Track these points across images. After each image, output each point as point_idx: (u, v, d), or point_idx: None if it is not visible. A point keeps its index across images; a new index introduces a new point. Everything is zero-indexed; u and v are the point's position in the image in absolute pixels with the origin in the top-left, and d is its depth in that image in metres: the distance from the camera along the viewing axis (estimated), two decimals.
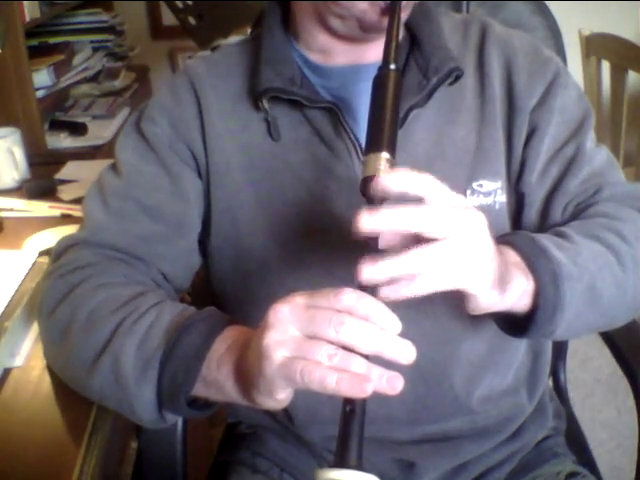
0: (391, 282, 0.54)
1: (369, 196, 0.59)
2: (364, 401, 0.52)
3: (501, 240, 0.66)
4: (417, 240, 0.54)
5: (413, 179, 0.54)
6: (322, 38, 0.76)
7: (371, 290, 0.55)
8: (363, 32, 0.72)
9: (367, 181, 0.59)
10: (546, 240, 0.67)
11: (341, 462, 0.51)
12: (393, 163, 0.60)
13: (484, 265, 0.56)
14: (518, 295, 0.62)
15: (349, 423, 0.52)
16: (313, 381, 0.50)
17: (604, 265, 0.68)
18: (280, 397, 0.54)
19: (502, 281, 0.59)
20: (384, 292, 0.54)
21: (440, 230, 0.53)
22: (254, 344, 0.55)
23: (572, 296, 0.64)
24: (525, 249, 0.65)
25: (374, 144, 0.60)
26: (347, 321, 0.51)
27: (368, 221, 0.52)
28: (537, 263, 0.64)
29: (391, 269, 0.53)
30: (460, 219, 0.54)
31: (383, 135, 0.60)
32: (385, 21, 0.68)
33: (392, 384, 0.50)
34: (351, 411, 0.52)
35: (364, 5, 0.69)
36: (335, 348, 0.51)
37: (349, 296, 0.52)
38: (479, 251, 0.55)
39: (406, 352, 0.50)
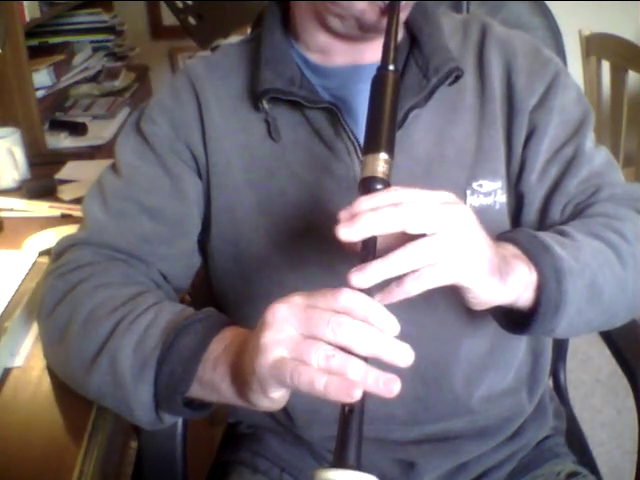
0: (384, 283, 0.54)
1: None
2: (363, 402, 0.52)
3: (502, 236, 0.66)
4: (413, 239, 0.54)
5: (393, 195, 0.54)
6: (321, 38, 0.76)
7: (368, 290, 0.55)
8: (362, 32, 0.72)
9: (365, 182, 0.59)
10: (547, 237, 0.67)
11: (340, 462, 0.51)
12: (391, 164, 0.60)
13: (476, 257, 0.56)
14: (522, 286, 0.62)
15: (348, 423, 0.52)
16: (302, 383, 0.49)
17: (605, 262, 0.68)
18: (274, 396, 0.54)
19: (501, 272, 0.59)
20: (377, 297, 0.54)
21: (425, 226, 0.53)
22: (251, 344, 0.55)
23: (574, 292, 0.64)
24: (526, 245, 0.65)
25: (372, 145, 0.61)
26: (345, 322, 0.50)
27: (346, 232, 0.53)
28: (539, 258, 0.64)
29: (380, 273, 0.53)
30: (445, 213, 0.54)
31: (381, 136, 0.61)
32: (384, 21, 0.68)
33: (389, 387, 0.49)
34: (350, 411, 0.52)
35: (363, 5, 0.69)
36: (333, 349, 0.50)
37: (347, 296, 0.52)
38: (469, 243, 0.56)
39: (404, 355, 0.50)
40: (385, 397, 0.49)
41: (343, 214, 0.55)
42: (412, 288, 0.55)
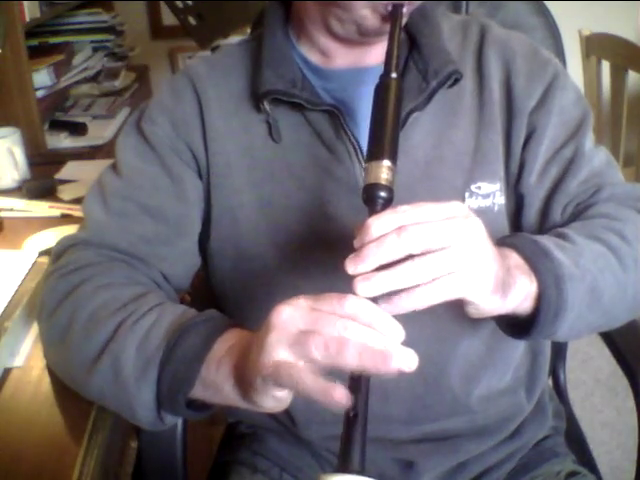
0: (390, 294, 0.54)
1: (371, 205, 0.59)
2: (367, 406, 0.52)
3: (503, 242, 0.66)
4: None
5: (400, 217, 0.54)
6: (323, 40, 0.76)
7: (374, 298, 0.55)
8: (361, 37, 0.72)
9: (369, 189, 0.59)
10: (548, 242, 0.67)
11: (344, 467, 0.51)
12: (394, 170, 0.60)
13: (483, 272, 0.57)
14: (521, 298, 0.62)
15: (352, 428, 0.52)
16: (299, 385, 0.50)
17: (605, 266, 0.68)
18: (278, 395, 0.54)
19: (504, 285, 0.59)
20: (382, 307, 0.54)
21: (437, 244, 0.54)
22: (256, 345, 0.55)
23: (574, 297, 0.64)
24: (527, 251, 0.65)
25: (376, 152, 0.61)
26: (350, 326, 0.51)
27: (354, 269, 0.54)
28: (539, 264, 0.64)
29: (386, 284, 0.53)
30: (454, 230, 0.54)
31: (384, 143, 0.61)
32: (384, 26, 0.68)
33: (407, 361, 0.50)
34: (355, 416, 0.52)
35: (365, 11, 0.69)
36: (345, 326, 0.51)
37: (353, 302, 0.52)
38: (476, 259, 0.56)
39: (408, 360, 0.50)
40: (404, 373, 0.49)
41: (356, 243, 0.55)
42: (419, 302, 0.55)
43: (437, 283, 0.54)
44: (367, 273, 0.53)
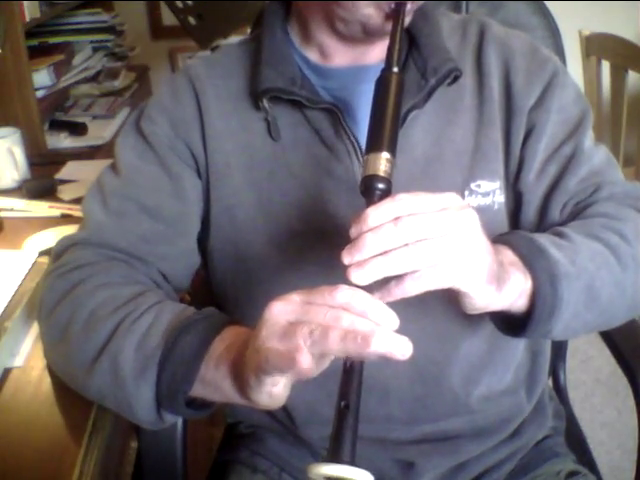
0: (383, 281, 0.54)
1: (368, 196, 0.59)
2: (359, 397, 0.53)
3: (499, 239, 0.66)
4: None
5: (397, 207, 0.55)
6: (326, 40, 0.76)
7: (368, 287, 0.55)
8: (366, 35, 0.72)
9: (367, 180, 0.59)
10: (544, 239, 0.67)
11: (334, 457, 0.51)
12: (393, 163, 0.60)
13: (475, 262, 0.57)
14: (516, 294, 0.62)
15: (343, 419, 0.52)
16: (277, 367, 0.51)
17: (603, 264, 0.68)
18: (274, 392, 0.54)
19: (498, 280, 0.60)
20: (376, 295, 0.55)
21: (432, 235, 0.54)
22: (251, 342, 0.55)
23: (570, 295, 0.64)
24: (523, 249, 0.65)
25: (375, 144, 0.61)
26: (342, 316, 0.51)
27: (350, 260, 0.54)
28: (535, 262, 0.64)
29: (380, 270, 0.53)
30: (448, 220, 0.55)
31: (384, 135, 0.61)
32: (388, 25, 0.68)
33: (401, 348, 0.49)
34: (345, 407, 0.52)
35: (369, 10, 0.69)
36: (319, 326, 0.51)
37: (344, 293, 0.52)
38: (469, 248, 0.56)
39: (402, 347, 0.50)
40: (397, 359, 0.49)
41: (352, 232, 0.55)
42: (411, 288, 0.55)
43: (430, 269, 0.54)
44: (361, 262, 0.53)
